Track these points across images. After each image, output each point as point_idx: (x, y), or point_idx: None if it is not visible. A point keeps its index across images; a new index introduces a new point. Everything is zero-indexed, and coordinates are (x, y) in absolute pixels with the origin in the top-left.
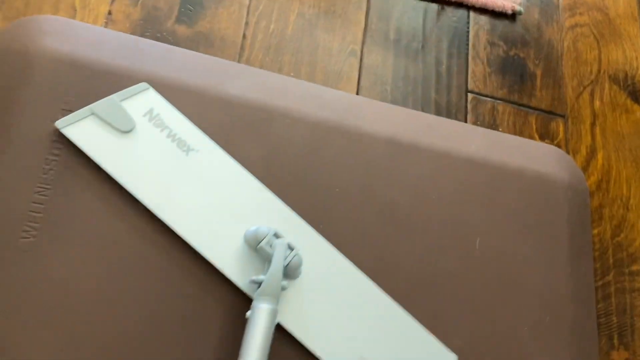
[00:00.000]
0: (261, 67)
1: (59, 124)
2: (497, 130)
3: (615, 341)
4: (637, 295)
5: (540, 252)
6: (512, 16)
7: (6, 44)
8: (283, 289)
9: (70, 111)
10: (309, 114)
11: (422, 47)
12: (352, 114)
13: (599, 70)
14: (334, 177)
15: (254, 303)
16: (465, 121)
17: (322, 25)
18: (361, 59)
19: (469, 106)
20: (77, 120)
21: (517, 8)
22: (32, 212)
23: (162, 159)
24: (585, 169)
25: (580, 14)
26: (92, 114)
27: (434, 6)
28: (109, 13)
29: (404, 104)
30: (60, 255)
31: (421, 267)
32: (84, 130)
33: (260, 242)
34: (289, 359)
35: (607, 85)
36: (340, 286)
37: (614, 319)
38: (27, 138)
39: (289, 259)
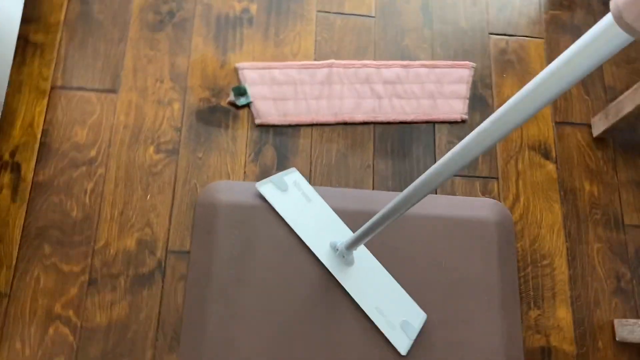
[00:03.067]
0: (321, 184)
1: (258, 184)
2: (455, 195)
3: (532, 305)
4: (545, 278)
5: (481, 260)
6: (462, 122)
7: (204, 198)
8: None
9: (238, 227)
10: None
11: (407, 153)
12: (372, 203)
13: (521, 144)
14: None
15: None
16: (435, 193)
17: (350, 153)
18: (373, 169)
19: None
20: (264, 184)
21: (464, 117)
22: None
23: (298, 204)
24: (512, 208)
25: None
26: (270, 181)
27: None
28: (245, 172)
29: (398, 187)
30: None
31: (414, 272)
32: (266, 188)
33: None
34: (345, 303)
35: (526, 152)
36: (371, 272)
37: (531, 292)
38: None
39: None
